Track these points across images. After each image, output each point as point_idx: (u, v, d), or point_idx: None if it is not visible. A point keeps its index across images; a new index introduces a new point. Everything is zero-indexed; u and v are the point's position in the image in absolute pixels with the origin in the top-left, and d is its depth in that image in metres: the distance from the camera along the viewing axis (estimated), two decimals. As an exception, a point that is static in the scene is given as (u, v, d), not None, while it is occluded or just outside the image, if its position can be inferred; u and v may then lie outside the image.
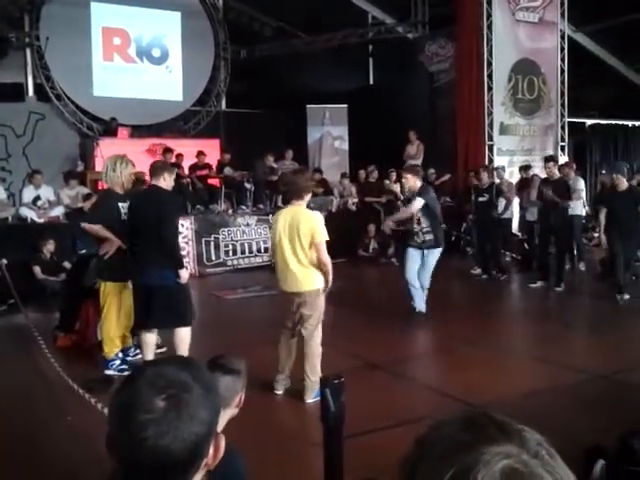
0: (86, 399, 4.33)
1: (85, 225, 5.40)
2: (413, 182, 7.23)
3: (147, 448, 0.99)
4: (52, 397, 4.96)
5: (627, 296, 8.00)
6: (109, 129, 13.33)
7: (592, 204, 12.38)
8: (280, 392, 4.88)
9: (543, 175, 12.10)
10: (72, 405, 4.60)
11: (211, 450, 1.08)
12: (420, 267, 7.22)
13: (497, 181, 10.73)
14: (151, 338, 5.23)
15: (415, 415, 4.35)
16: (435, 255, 7.22)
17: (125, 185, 5.46)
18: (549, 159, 9.69)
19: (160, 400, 1.01)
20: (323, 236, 4.73)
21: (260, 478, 2.72)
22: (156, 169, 5.24)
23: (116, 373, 5.38)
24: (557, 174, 9.30)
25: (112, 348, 5.45)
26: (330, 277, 4.82)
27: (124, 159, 5.48)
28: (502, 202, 10.20)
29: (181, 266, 5.16)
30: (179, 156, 12.21)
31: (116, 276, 5.38)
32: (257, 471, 2.47)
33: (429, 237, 7.15)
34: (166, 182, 5.18)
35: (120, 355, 5.50)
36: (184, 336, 5.10)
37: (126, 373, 5.40)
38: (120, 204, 5.39)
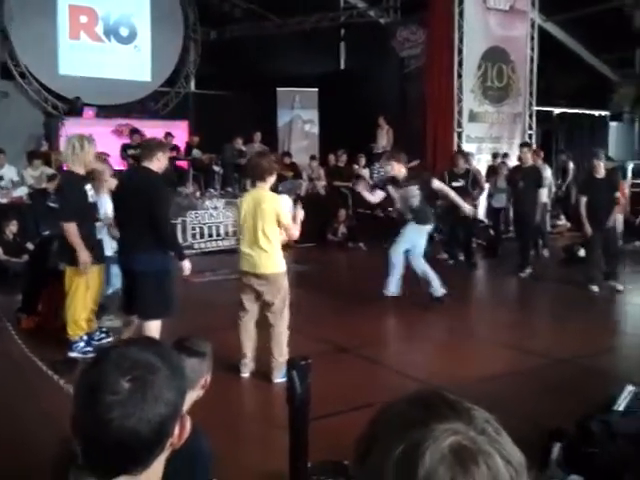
0: (55, 380, 4.27)
1: (65, 227, 5.15)
2: (398, 169, 7.20)
3: (113, 429, 0.99)
4: (20, 378, 4.89)
5: (596, 288, 7.95)
6: (74, 108, 13.09)
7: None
8: (246, 375, 4.88)
9: (511, 162, 12.32)
10: (41, 386, 4.55)
11: (176, 430, 1.08)
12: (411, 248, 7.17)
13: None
14: (156, 325, 5.10)
15: (380, 398, 4.38)
16: (420, 231, 7.18)
17: (88, 166, 5.34)
18: (525, 145, 9.77)
19: (125, 381, 1.01)
20: (287, 218, 4.77)
21: (225, 458, 2.73)
22: (150, 148, 4.86)
23: (80, 355, 5.31)
24: (530, 161, 9.39)
25: (76, 331, 5.38)
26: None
27: (90, 138, 5.33)
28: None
29: (182, 256, 4.99)
30: (143, 136, 12.01)
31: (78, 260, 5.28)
32: (222, 451, 2.47)
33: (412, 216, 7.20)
34: (160, 162, 4.80)
35: (85, 337, 5.43)
36: (155, 328, 4.89)
37: (90, 356, 5.35)
38: (86, 186, 5.29)
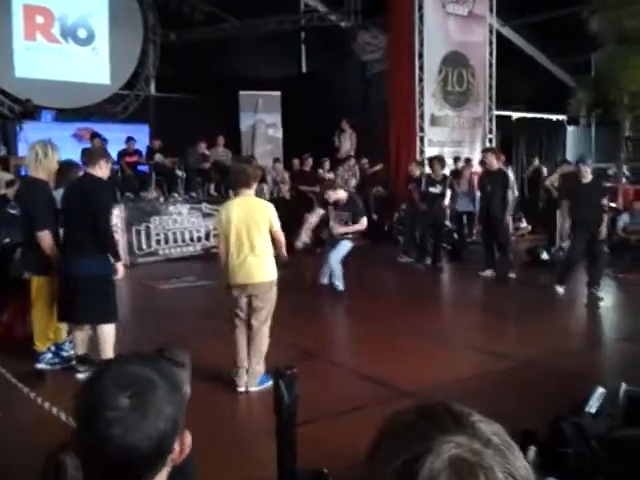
0: (24, 393, 4.16)
1: (40, 236, 5.06)
2: (342, 194, 8.19)
3: (113, 446, 1.00)
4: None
5: (562, 290, 7.97)
6: (27, 111, 12.80)
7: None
8: (243, 389, 4.79)
9: (474, 166, 12.52)
10: (9, 398, 4.44)
11: (177, 446, 1.08)
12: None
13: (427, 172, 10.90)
14: (80, 334, 5.06)
15: (352, 404, 4.42)
16: (344, 245, 8.13)
17: (52, 173, 5.26)
18: (488, 150, 9.91)
19: (125, 397, 1.01)
20: (278, 224, 4.77)
21: (210, 468, 2.70)
22: (92, 156, 5.03)
23: (47, 367, 5.20)
24: (496, 165, 9.50)
25: (43, 341, 5.26)
26: (284, 250, 5.00)
27: (53, 145, 5.24)
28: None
29: (118, 259, 5.00)
30: (103, 141, 11.84)
31: (45, 269, 5.18)
32: (206, 462, 2.45)
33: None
34: (102, 171, 4.96)
35: (52, 348, 5.31)
36: (108, 333, 4.88)
37: (58, 367, 5.24)
38: (53, 193, 5.22)
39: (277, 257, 4.91)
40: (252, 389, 4.73)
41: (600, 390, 3.50)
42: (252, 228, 4.64)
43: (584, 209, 7.65)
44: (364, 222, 8.14)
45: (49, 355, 5.26)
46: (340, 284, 8.07)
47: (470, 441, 0.76)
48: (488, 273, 9.24)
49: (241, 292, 4.76)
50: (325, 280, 8.29)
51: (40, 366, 5.20)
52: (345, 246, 8.11)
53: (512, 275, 9.13)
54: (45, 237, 5.06)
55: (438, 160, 10.44)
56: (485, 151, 9.92)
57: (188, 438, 1.11)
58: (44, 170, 5.16)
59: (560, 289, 7.97)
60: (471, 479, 0.73)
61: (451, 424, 0.78)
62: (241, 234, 4.66)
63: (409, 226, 10.71)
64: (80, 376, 4.88)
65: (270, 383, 4.72)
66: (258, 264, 4.69)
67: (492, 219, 9.28)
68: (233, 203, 4.83)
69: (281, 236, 4.83)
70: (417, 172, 10.52)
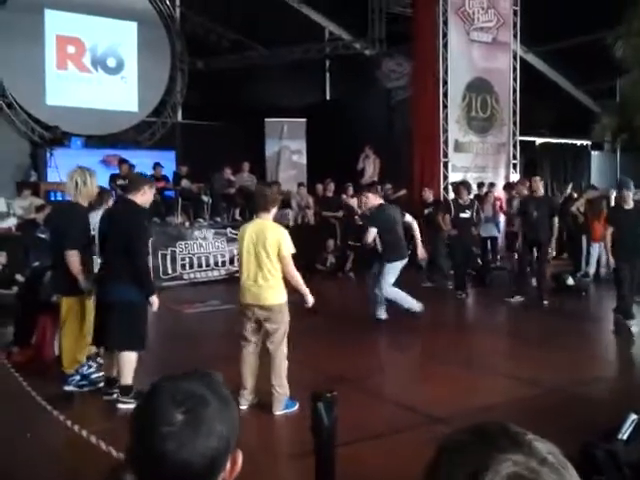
0: (54, 415, 4.20)
1: (68, 254, 5.15)
2: (373, 200, 7.81)
3: (167, 461, 1.01)
4: (18, 412, 4.80)
5: (635, 325, 7.46)
6: (54, 138, 13.07)
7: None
8: (244, 407, 4.84)
9: (497, 194, 12.45)
10: (39, 420, 4.49)
11: (228, 464, 1.09)
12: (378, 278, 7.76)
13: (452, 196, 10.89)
14: (111, 357, 5.09)
15: (386, 429, 4.40)
16: (391, 267, 7.67)
17: (91, 198, 5.40)
18: (532, 175, 9.79)
19: (179, 413, 1.02)
20: (289, 249, 4.76)
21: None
22: (136, 182, 5.05)
23: (75, 389, 5.24)
24: (542, 190, 9.40)
25: (72, 364, 5.31)
26: (304, 288, 4.90)
27: (92, 171, 5.39)
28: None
29: (152, 292, 4.99)
30: (131, 167, 12.04)
31: (75, 289, 5.26)
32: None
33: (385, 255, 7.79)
34: (145, 196, 4.96)
35: (81, 371, 5.36)
36: (129, 360, 4.89)
37: (86, 389, 5.28)
38: (90, 219, 5.35)
39: (304, 302, 4.93)
40: (278, 412, 4.74)
41: (633, 417, 3.46)
42: (261, 251, 4.71)
43: (627, 236, 7.42)
44: (370, 232, 7.76)
45: (77, 377, 5.30)
46: (412, 305, 7.77)
47: (527, 459, 0.78)
48: (517, 299, 9.13)
49: (250, 312, 4.82)
50: (383, 314, 7.87)
51: (68, 388, 5.25)
52: (389, 269, 7.72)
53: (545, 302, 9.02)
54: (73, 256, 5.14)
55: (464, 185, 10.39)
56: (530, 176, 9.81)
57: (240, 457, 1.11)
58: (84, 197, 5.32)
59: (632, 323, 7.44)
60: None
61: (508, 443, 0.81)
62: (251, 255, 4.74)
63: (433, 252, 10.64)
64: (108, 398, 4.92)
65: (295, 408, 4.77)
66: (267, 286, 4.74)
67: (538, 244, 9.14)
68: (248, 225, 4.95)
69: (289, 264, 4.75)
70: (431, 198, 10.55)
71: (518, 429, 0.84)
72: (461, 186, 10.38)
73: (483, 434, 0.84)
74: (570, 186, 13.58)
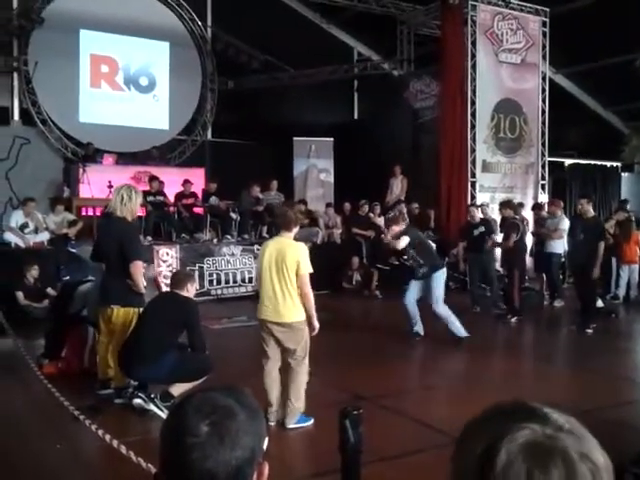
0: (86, 425, 4.25)
1: (135, 265, 5.35)
2: (398, 229, 7.86)
3: (193, 470, 1.05)
4: (50, 423, 4.89)
5: None
6: (87, 153, 13.33)
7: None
8: (273, 423, 4.85)
9: (525, 212, 12.39)
10: (71, 431, 4.57)
11: (255, 476, 1.12)
12: (428, 295, 7.80)
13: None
14: None
15: (410, 448, 4.40)
16: (436, 279, 7.73)
17: (134, 214, 5.55)
18: (584, 196, 9.53)
19: (205, 425, 1.06)
20: (307, 268, 4.81)
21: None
22: (179, 280, 5.40)
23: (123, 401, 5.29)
24: (592, 212, 9.06)
25: (121, 378, 5.37)
26: (313, 312, 4.88)
27: (136, 189, 5.62)
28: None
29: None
30: (161, 183, 12.22)
31: (134, 301, 5.43)
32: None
33: (424, 269, 7.77)
34: (188, 292, 5.33)
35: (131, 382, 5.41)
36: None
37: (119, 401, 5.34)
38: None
39: (309, 324, 4.90)
40: (290, 426, 4.80)
41: (662, 441, 3.41)
42: (281, 268, 4.77)
43: None
44: (402, 239, 7.77)
45: (130, 390, 5.31)
46: (458, 330, 7.70)
47: (543, 428, 0.82)
48: (592, 327, 8.59)
49: (268, 329, 4.88)
50: (420, 329, 7.95)
51: (119, 401, 5.28)
52: (435, 282, 7.75)
53: (590, 330, 8.54)
54: (139, 267, 5.37)
55: (473, 206, 10.36)
56: (582, 197, 9.58)
57: (266, 468, 1.14)
58: (128, 212, 5.47)
59: None
60: (547, 459, 0.79)
61: (524, 414, 0.85)
62: (271, 273, 4.81)
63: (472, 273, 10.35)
64: (137, 401, 5.01)
65: (308, 423, 4.80)
66: (284, 304, 4.79)
67: (582, 267, 8.83)
68: (269, 243, 5.07)
69: (305, 283, 4.78)
70: (478, 217, 10.13)
71: (535, 404, 0.88)
72: (470, 207, 10.40)
73: (502, 409, 0.88)
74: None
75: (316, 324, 4.92)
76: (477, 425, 0.88)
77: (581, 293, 9.05)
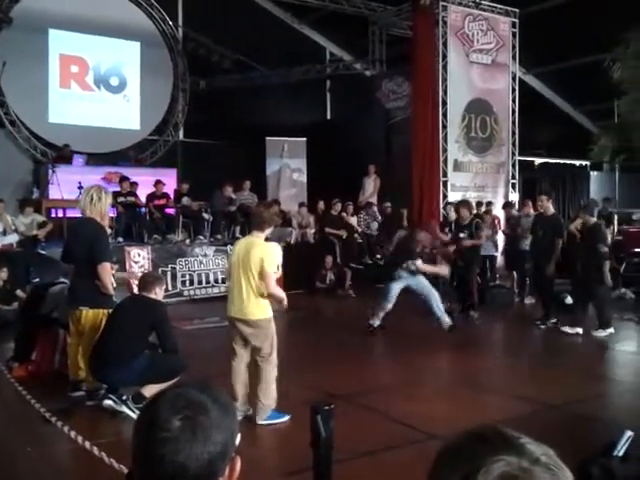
0: (65, 432, 4.19)
1: (103, 266, 5.29)
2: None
3: (165, 464, 1.06)
4: (24, 425, 4.82)
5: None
6: (63, 155, 13.17)
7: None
8: (239, 419, 4.84)
9: (495, 210, 12.54)
10: (43, 433, 4.51)
11: (227, 471, 1.13)
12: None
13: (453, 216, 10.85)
14: None
15: (382, 445, 4.41)
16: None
17: (103, 216, 5.49)
18: (544, 194, 9.61)
19: (177, 420, 1.07)
20: (271, 267, 4.82)
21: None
22: (147, 282, 5.36)
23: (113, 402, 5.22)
24: (552, 210, 9.21)
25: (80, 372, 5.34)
26: (280, 292, 4.95)
27: (106, 190, 5.58)
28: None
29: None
30: (133, 184, 12.13)
31: (103, 302, 5.37)
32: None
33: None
34: (157, 295, 5.31)
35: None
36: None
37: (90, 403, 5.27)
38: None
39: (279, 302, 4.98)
40: (260, 422, 4.81)
41: (628, 433, 3.47)
42: (247, 267, 4.80)
43: None
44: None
45: (101, 392, 5.25)
46: (444, 318, 8.21)
47: (519, 460, 0.81)
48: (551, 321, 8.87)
49: (235, 326, 4.92)
50: (446, 320, 8.29)
51: (109, 403, 5.19)
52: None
53: (553, 320, 8.87)
54: (107, 268, 5.32)
55: (464, 204, 10.32)
56: (539, 194, 9.69)
57: (238, 462, 1.16)
58: (97, 212, 5.43)
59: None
60: None
61: (501, 445, 0.84)
62: (239, 271, 4.85)
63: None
64: (109, 403, 4.96)
65: (280, 420, 4.81)
66: (249, 302, 4.83)
67: (539, 264, 9.05)
68: (239, 242, 5.17)
69: (270, 283, 4.80)
70: (468, 218, 9.85)
71: (513, 432, 0.87)
72: (460, 205, 10.34)
73: (477, 437, 0.87)
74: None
75: (285, 301, 4.96)
76: (451, 455, 0.87)
77: (539, 288, 9.24)
